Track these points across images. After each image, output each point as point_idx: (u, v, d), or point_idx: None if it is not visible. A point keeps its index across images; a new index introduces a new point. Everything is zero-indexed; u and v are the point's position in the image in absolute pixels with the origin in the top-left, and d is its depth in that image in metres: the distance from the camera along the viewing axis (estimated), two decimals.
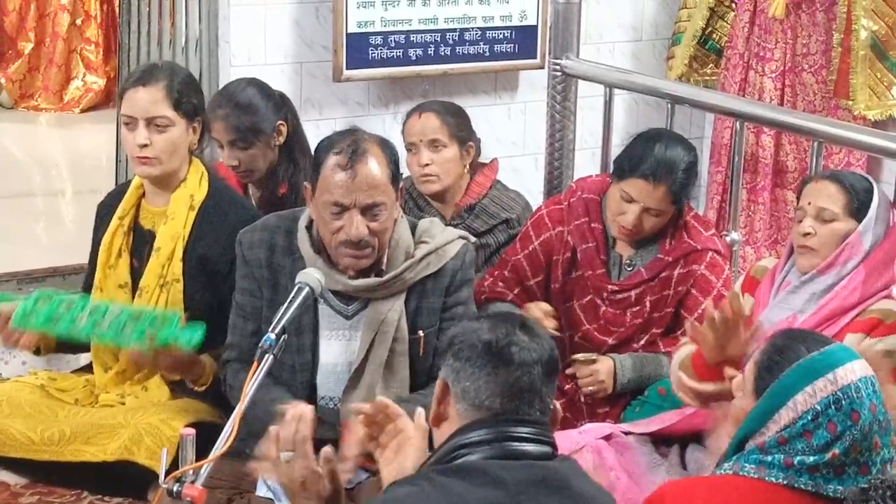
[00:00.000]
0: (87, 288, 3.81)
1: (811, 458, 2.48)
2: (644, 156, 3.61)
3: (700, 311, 3.64)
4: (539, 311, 3.71)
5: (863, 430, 2.48)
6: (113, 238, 3.68)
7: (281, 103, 4.15)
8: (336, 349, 3.31)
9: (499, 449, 2.31)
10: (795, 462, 2.48)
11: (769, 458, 2.51)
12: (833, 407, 2.48)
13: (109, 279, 3.67)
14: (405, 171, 3.88)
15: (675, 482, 2.76)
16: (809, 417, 2.49)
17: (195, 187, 3.65)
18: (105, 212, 3.78)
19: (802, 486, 2.48)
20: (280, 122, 4.09)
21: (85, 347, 3.77)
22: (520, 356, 2.35)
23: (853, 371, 2.51)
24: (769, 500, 2.49)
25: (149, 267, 3.62)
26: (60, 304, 3.53)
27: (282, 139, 4.09)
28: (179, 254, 3.61)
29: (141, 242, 3.68)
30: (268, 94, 4.13)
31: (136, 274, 3.66)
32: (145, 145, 3.57)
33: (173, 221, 3.63)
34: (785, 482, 2.48)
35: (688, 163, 3.64)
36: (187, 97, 3.61)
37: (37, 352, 3.72)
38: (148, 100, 3.58)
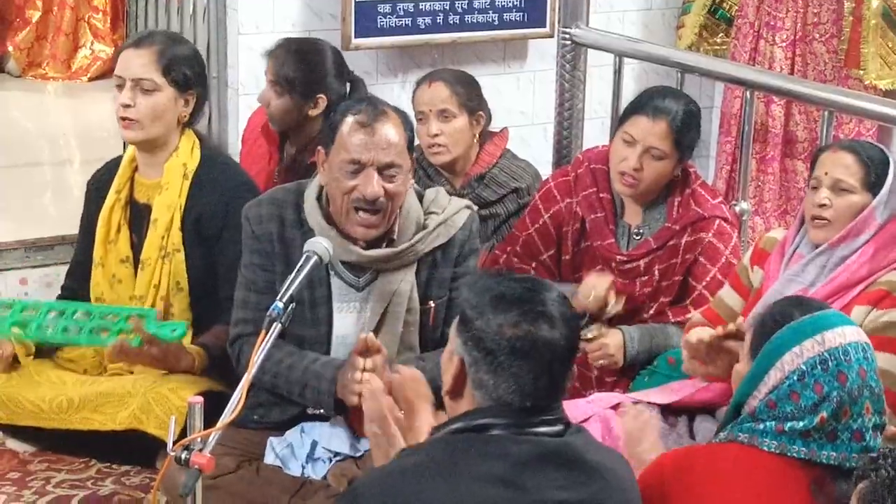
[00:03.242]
0: (76, 265, 3.79)
1: (801, 423, 2.48)
2: (645, 100, 3.72)
3: (708, 279, 3.65)
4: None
5: (851, 393, 2.48)
6: (111, 213, 3.66)
7: (340, 82, 4.11)
8: (348, 321, 3.30)
9: (515, 431, 2.29)
10: (787, 428, 2.49)
11: (761, 427, 2.52)
12: (819, 367, 2.49)
13: (110, 254, 3.67)
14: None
15: (675, 451, 2.77)
16: (795, 377, 2.50)
17: (188, 156, 3.64)
18: (96, 187, 3.76)
19: (796, 455, 2.48)
20: (320, 95, 4.07)
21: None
22: (543, 356, 2.28)
23: (843, 335, 2.52)
24: (764, 468, 2.50)
25: (148, 239, 3.61)
26: (24, 310, 3.50)
27: (316, 112, 4.08)
28: (178, 223, 3.60)
29: (138, 217, 3.67)
30: (331, 68, 4.11)
31: (135, 249, 3.66)
32: (128, 106, 3.56)
33: (168, 191, 3.62)
34: (778, 451, 2.49)
35: (688, 108, 3.70)
36: (179, 67, 3.59)
37: (16, 360, 3.68)
38: (137, 62, 3.57)
